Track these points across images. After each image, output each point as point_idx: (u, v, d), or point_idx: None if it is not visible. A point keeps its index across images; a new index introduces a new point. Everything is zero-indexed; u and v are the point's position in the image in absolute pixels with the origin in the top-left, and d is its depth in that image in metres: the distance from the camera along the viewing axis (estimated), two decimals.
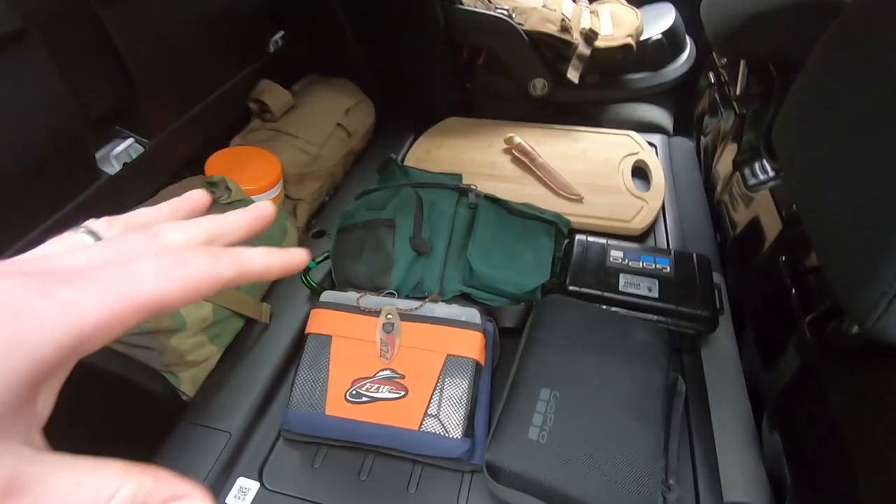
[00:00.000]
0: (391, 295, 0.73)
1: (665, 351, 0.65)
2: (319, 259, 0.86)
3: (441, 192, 0.87)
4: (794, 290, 0.67)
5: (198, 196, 0.25)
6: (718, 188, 0.99)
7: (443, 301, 0.74)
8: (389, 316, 0.68)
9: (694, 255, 0.80)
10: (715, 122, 1.10)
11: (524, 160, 1.08)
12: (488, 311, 0.75)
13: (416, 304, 0.70)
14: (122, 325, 0.17)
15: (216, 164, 0.92)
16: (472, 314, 0.69)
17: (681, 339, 0.73)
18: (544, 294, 0.78)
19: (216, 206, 0.81)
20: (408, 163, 1.11)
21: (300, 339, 0.77)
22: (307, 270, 0.84)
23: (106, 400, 0.70)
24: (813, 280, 0.66)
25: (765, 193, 0.79)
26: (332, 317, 0.69)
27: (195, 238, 0.21)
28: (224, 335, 0.74)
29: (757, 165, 0.82)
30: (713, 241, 0.94)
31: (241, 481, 0.63)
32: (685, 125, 1.32)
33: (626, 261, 0.78)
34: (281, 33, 1.10)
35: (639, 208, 0.97)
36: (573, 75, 1.18)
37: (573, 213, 0.96)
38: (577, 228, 0.93)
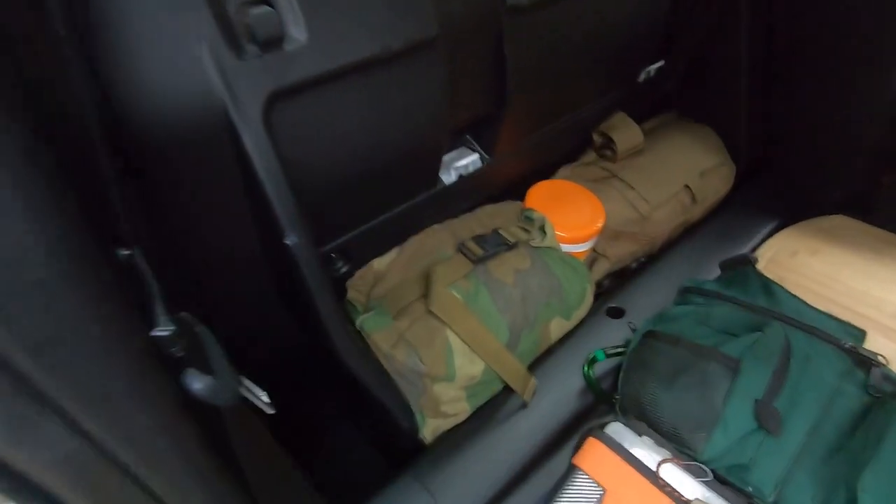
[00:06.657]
0: (701, 472, 0.52)
1: None
2: (612, 352, 0.69)
3: (823, 348, 0.59)
4: None
5: None
6: None
7: None
8: None
9: None
10: None
11: None
12: None
13: None
14: None
15: (538, 195, 0.83)
16: None
17: None
18: None
19: (526, 247, 0.72)
20: (759, 262, 0.83)
21: (559, 439, 0.64)
22: (594, 360, 0.68)
23: (359, 411, 0.70)
24: None
25: None
26: (614, 464, 0.52)
27: None
28: (480, 395, 0.66)
29: None
30: None
31: None
32: None
33: None
34: (660, 63, 0.93)
35: None
36: None
37: None
38: None
